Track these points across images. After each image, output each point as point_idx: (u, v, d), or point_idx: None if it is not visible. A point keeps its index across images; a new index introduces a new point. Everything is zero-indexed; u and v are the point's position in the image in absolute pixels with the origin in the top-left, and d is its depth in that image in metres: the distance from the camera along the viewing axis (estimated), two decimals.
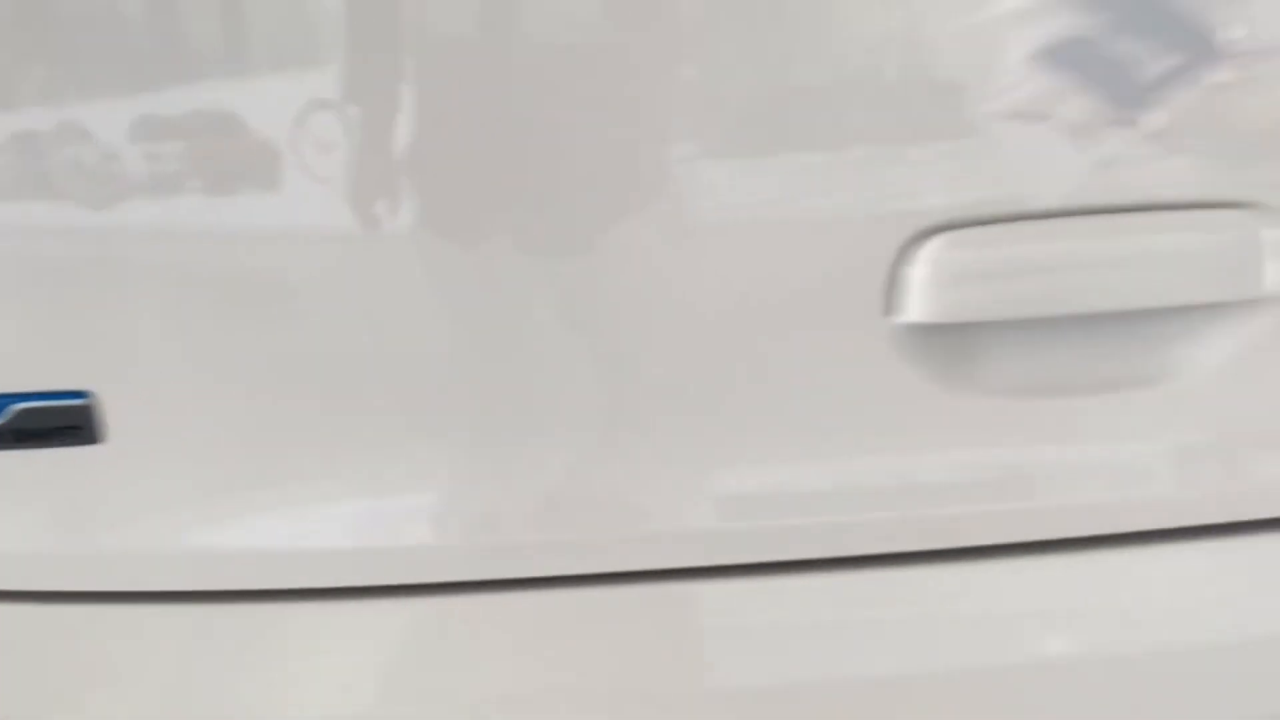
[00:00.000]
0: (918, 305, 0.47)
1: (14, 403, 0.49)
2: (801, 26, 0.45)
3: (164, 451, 0.50)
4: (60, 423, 0.49)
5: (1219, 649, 0.54)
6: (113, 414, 0.49)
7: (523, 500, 0.51)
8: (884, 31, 0.45)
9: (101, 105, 0.46)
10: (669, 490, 0.51)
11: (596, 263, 0.47)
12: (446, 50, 0.45)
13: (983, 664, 0.53)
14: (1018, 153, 0.47)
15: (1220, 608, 0.55)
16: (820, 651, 0.53)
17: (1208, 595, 0.54)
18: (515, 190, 0.46)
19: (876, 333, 0.48)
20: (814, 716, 0.53)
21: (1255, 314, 0.50)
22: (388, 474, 0.51)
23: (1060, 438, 0.51)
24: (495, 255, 0.47)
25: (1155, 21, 0.45)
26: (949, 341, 0.49)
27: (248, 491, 0.51)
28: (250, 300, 0.48)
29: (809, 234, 0.47)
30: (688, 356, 0.49)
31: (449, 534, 0.52)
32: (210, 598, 0.53)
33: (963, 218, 0.47)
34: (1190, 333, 0.51)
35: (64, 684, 0.54)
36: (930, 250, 0.47)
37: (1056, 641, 0.54)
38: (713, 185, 0.47)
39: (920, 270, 0.47)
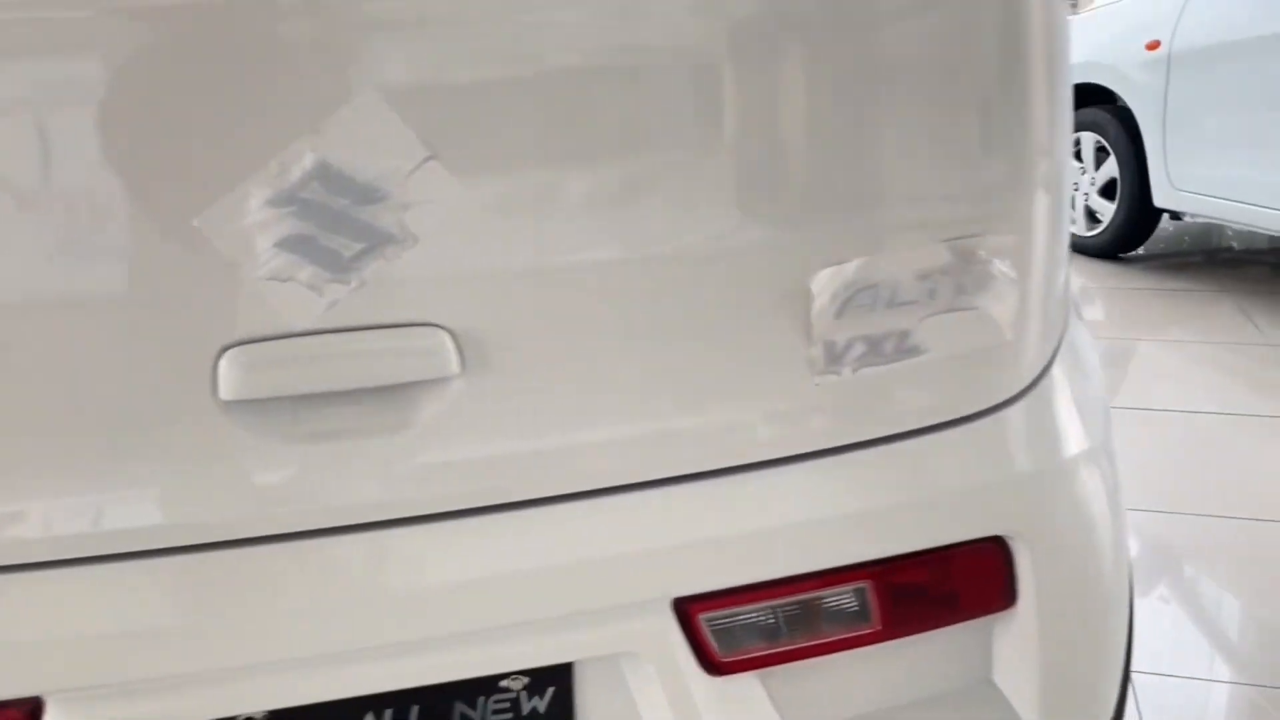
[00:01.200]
0: (226, 389, 0.81)
1: None
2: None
3: None
4: None
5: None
6: None
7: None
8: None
9: None
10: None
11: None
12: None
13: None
14: (279, 299, 0.81)
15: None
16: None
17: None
18: None
19: (212, 404, 0.82)
20: None
21: (450, 385, 0.86)
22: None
23: (345, 465, 0.86)
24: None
25: (348, 229, 0.80)
26: (261, 410, 0.83)
27: None
28: None
29: (155, 337, 0.81)
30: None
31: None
32: None
33: (250, 336, 0.81)
34: (414, 398, 0.86)
35: None
36: (227, 357, 0.81)
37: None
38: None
39: (225, 368, 0.81)
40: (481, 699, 0.98)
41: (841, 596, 1.01)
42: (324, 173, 0.79)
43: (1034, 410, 1.06)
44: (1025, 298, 1.01)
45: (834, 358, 0.95)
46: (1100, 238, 4.71)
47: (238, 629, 0.86)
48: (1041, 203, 1.01)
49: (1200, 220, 4.78)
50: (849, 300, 0.94)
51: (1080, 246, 4.87)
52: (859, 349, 0.96)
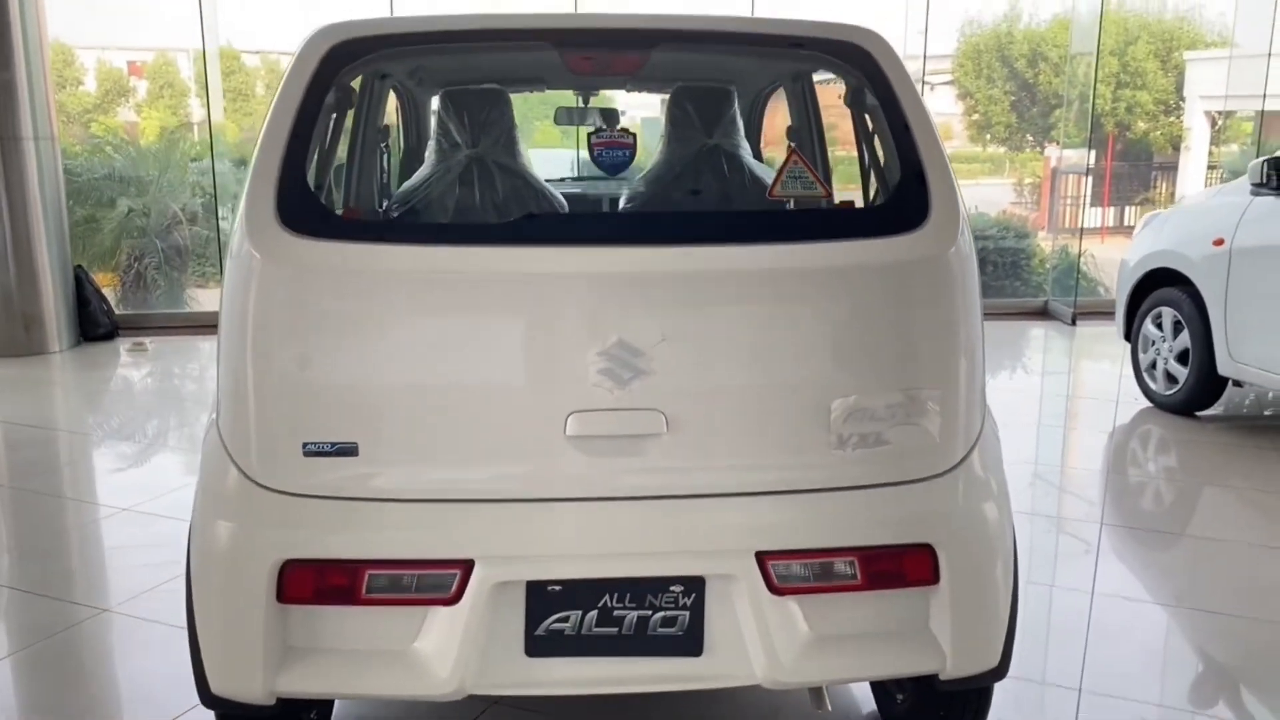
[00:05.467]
0: (570, 430, 1.91)
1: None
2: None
3: None
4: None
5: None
6: None
7: None
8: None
9: None
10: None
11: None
12: None
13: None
14: (597, 393, 1.92)
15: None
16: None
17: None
18: None
19: (562, 437, 1.93)
20: None
21: (661, 437, 1.95)
22: None
23: (615, 469, 1.95)
24: None
25: (625, 366, 1.91)
26: (583, 441, 1.93)
27: None
28: None
29: (543, 408, 1.92)
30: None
31: None
32: None
33: (582, 408, 1.92)
34: (645, 441, 1.95)
35: None
36: (572, 416, 1.91)
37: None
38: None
39: (570, 422, 1.91)
40: (661, 593, 2.02)
41: (841, 564, 2.02)
42: (620, 344, 1.90)
43: (956, 478, 2.06)
44: (947, 420, 2.03)
45: (841, 442, 1.99)
46: (1175, 397, 5.49)
47: (560, 536, 1.95)
48: (960, 374, 2.04)
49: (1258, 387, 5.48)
50: (849, 415, 1.98)
51: (1160, 403, 5.65)
52: (855, 439, 1.99)
